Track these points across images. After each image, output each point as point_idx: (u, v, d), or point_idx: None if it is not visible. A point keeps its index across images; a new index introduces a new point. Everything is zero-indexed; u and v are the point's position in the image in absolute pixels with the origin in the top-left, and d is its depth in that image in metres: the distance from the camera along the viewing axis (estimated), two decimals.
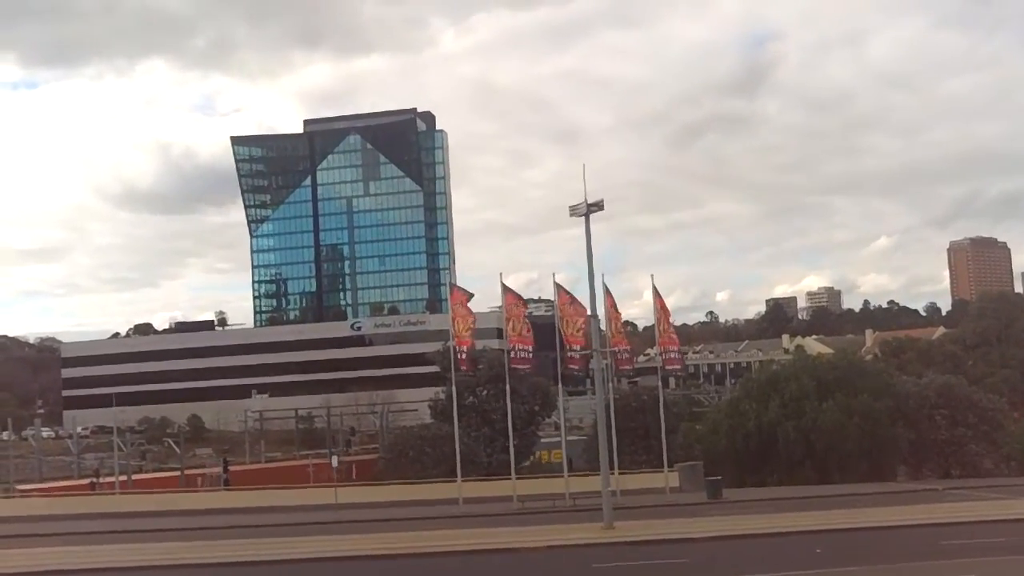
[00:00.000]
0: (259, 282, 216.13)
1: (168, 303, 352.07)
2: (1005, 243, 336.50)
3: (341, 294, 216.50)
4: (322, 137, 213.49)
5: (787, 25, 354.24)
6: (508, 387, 52.20)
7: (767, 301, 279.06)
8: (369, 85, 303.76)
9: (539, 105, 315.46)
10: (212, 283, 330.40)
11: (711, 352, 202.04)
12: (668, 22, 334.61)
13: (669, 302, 50.69)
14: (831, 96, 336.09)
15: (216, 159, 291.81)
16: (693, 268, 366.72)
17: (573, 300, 47.76)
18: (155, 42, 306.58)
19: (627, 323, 53.96)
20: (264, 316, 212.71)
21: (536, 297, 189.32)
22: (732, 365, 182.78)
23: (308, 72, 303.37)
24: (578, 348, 46.95)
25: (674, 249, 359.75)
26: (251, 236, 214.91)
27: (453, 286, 61.43)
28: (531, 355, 48.28)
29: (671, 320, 52.87)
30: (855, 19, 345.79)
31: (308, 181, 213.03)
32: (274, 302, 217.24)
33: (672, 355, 51.80)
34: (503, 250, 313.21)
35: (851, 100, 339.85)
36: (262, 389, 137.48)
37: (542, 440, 69.49)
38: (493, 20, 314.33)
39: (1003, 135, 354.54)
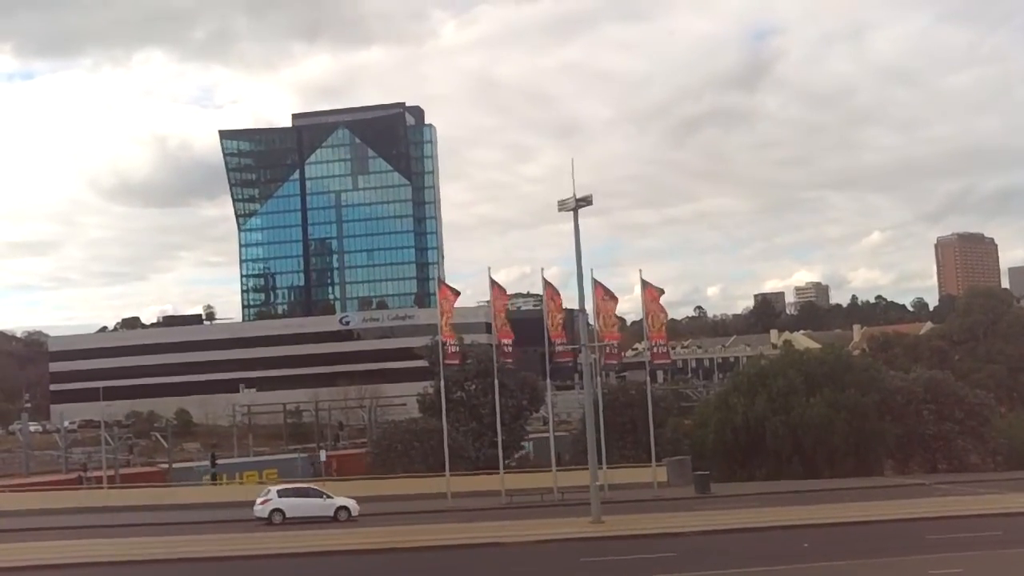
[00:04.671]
0: (247, 276, 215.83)
1: (160, 297, 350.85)
2: (992, 239, 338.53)
3: (329, 288, 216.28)
4: (311, 131, 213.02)
5: (789, 19, 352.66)
6: (496, 382, 52.22)
7: (755, 296, 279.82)
8: (369, 78, 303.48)
9: (539, 99, 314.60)
10: (204, 277, 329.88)
11: (699, 347, 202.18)
12: (671, 15, 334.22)
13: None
14: (831, 91, 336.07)
15: (211, 152, 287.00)
16: (685, 263, 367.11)
17: (558, 295, 47.82)
18: (154, 33, 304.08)
19: (619, 317, 53.59)
20: (252, 310, 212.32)
21: (526, 292, 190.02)
22: (720, 360, 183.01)
23: (307, 64, 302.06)
24: (561, 342, 47.07)
25: (668, 244, 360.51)
26: (239, 230, 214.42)
27: (441, 282, 61.36)
28: (511, 348, 49.66)
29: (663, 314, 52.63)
30: (858, 14, 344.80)
31: (296, 175, 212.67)
32: (262, 296, 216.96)
33: (660, 349, 51.61)
34: (498, 244, 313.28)
35: (851, 95, 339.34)
36: (250, 383, 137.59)
37: (530, 435, 69.47)
38: (495, 12, 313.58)
39: (1002, 131, 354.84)
